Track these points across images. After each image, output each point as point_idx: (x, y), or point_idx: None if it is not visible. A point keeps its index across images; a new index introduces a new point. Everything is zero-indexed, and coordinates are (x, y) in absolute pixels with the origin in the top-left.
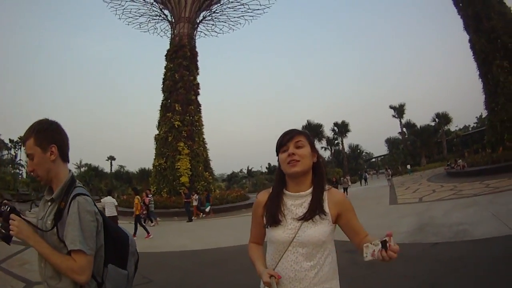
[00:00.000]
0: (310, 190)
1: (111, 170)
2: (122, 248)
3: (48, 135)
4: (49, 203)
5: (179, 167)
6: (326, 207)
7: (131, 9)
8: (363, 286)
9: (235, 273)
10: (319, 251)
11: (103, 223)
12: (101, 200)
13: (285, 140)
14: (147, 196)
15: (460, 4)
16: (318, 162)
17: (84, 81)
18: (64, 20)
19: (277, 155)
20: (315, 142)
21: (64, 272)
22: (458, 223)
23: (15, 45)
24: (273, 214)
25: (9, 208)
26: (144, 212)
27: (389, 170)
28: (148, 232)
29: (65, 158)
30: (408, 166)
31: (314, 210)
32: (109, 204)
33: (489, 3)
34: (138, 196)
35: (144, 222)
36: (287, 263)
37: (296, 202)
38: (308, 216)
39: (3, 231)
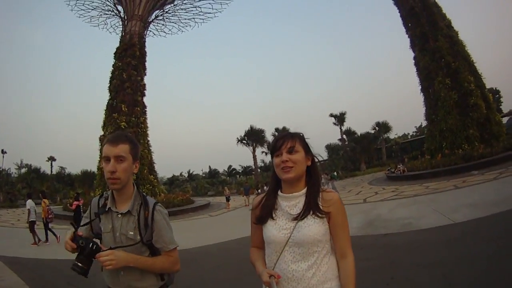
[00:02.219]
0: (304, 190)
1: (51, 171)
2: None
3: (138, 151)
4: (119, 215)
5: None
6: (321, 207)
7: (85, 0)
8: None
9: (212, 270)
10: (316, 250)
11: None
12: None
13: (279, 145)
14: (76, 200)
15: (409, 24)
16: (312, 164)
17: (23, 74)
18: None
19: (272, 158)
20: (257, 147)
21: (167, 269)
22: (403, 218)
23: None
24: (265, 213)
25: (95, 246)
26: (49, 217)
27: (328, 175)
28: (56, 236)
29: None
30: (335, 173)
31: (308, 210)
32: (32, 208)
33: (437, 26)
34: (45, 200)
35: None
36: (284, 264)
37: (290, 203)
38: (302, 216)
39: (83, 266)
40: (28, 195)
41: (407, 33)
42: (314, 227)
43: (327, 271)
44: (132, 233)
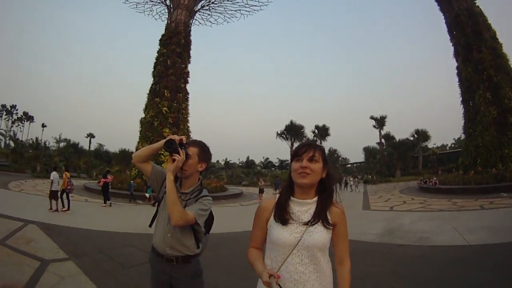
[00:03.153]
0: (316, 198)
1: (89, 147)
2: (209, 224)
3: (206, 155)
4: (179, 194)
5: (162, 152)
6: (329, 216)
7: None
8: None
9: (234, 254)
10: (322, 255)
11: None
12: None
13: (301, 152)
14: (104, 177)
15: (454, 32)
16: (327, 177)
17: (70, 53)
18: None
19: (291, 162)
20: (295, 142)
21: (173, 210)
22: (422, 231)
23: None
24: (282, 214)
25: (189, 155)
26: (69, 187)
27: (357, 178)
28: (64, 206)
29: (202, 172)
30: (369, 177)
31: (318, 218)
32: (55, 179)
33: (482, 36)
34: (67, 172)
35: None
36: (291, 266)
37: (302, 208)
38: (313, 222)
39: (175, 144)
40: (54, 167)
41: (451, 41)
42: (323, 233)
43: (330, 275)
44: (182, 204)
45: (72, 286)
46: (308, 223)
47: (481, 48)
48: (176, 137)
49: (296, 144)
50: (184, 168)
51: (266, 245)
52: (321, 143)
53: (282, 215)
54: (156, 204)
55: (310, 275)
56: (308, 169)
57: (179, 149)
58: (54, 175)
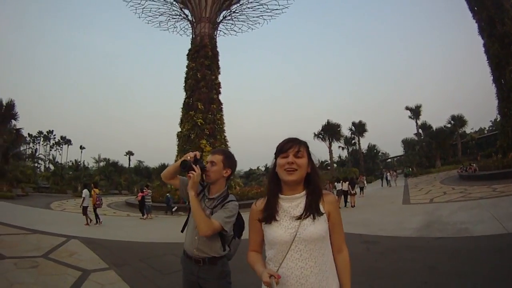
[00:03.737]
0: (304, 192)
1: (129, 165)
2: (240, 228)
3: (230, 161)
4: (207, 200)
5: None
6: (321, 207)
7: (151, 8)
8: (376, 266)
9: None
10: (321, 247)
11: (237, 214)
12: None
13: (287, 147)
14: (141, 191)
15: (475, 8)
16: (312, 171)
17: (99, 78)
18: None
19: (275, 158)
20: (333, 142)
21: (199, 223)
22: (461, 222)
23: (31, 41)
24: (270, 212)
25: (205, 166)
26: (97, 203)
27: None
28: (97, 220)
29: (228, 178)
30: (410, 169)
31: (310, 209)
32: (87, 196)
33: (503, 8)
34: (95, 189)
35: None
36: (291, 263)
37: (292, 204)
38: (305, 215)
39: (192, 163)
40: (84, 185)
41: (474, 18)
42: (318, 224)
43: (331, 267)
44: (208, 212)
45: None
46: (301, 217)
47: (504, 20)
48: (190, 155)
49: (334, 144)
50: (208, 174)
51: (265, 246)
52: (359, 139)
53: (270, 214)
54: (188, 211)
55: (311, 269)
56: (295, 165)
57: (193, 166)
58: (85, 192)
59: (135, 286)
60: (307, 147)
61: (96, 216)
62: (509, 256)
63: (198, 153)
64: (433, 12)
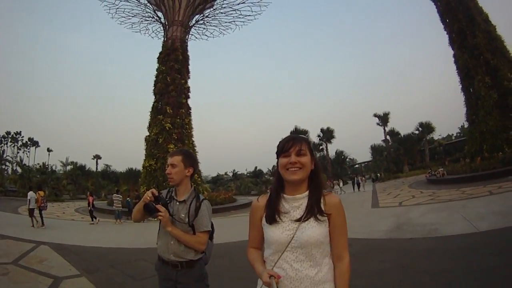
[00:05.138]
0: (307, 193)
1: (96, 168)
2: (213, 229)
3: (191, 160)
4: (178, 203)
5: None
6: (323, 209)
7: (125, 9)
8: None
9: (241, 261)
10: (318, 251)
11: None
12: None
13: (288, 147)
14: (91, 196)
15: (447, 20)
16: (315, 168)
17: (71, 78)
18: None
19: (277, 158)
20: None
21: (192, 244)
22: (431, 223)
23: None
24: (272, 214)
25: (167, 201)
26: (42, 205)
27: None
28: (40, 223)
29: (192, 177)
30: (378, 175)
31: (312, 212)
32: (32, 198)
33: (474, 21)
34: (40, 192)
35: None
36: (286, 264)
37: (293, 204)
38: (305, 217)
39: (155, 206)
40: (30, 187)
41: (445, 30)
42: (317, 228)
43: (328, 272)
44: (183, 215)
45: None
46: (301, 219)
47: (475, 32)
48: (148, 195)
49: None
50: (171, 177)
51: (264, 244)
52: (327, 146)
53: (272, 215)
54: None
55: (307, 272)
56: (298, 163)
57: (156, 207)
58: (30, 194)
59: None
60: (309, 144)
61: (41, 217)
62: (483, 253)
63: (154, 191)
64: (404, 21)
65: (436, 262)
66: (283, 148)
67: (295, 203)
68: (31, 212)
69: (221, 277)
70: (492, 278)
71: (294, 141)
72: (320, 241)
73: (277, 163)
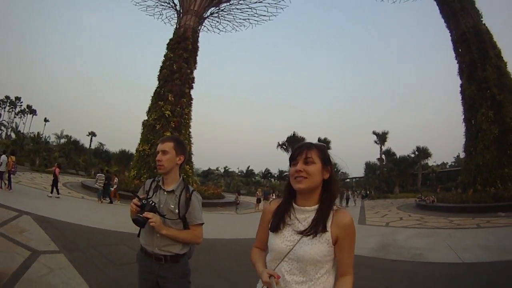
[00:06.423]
0: (316, 206)
1: (90, 145)
2: None
3: (182, 148)
4: (165, 193)
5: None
6: (329, 227)
7: None
8: None
9: (225, 260)
10: (314, 268)
11: None
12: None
13: (296, 154)
14: (58, 167)
15: (459, 50)
16: (330, 178)
17: (77, 52)
18: None
19: (289, 166)
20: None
21: (189, 240)
22: (416, 248)
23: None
24: (277, 223)
25: (153, 203)
26: (12, 170)
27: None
28: (10, 186)
29: (181, 166)
30: (367, 192)
31: (315, 228)
32: (4, 162)
33: (487, 54)
34: (12, 156)
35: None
36: (280, 273)
37: (300, 216)
38: (308, 232)
39: (144, 218)
40: (3, 151)
41: (456, 59)
42: (316, 246)
43: None
44: (172, 206)
45: (60, 278)
46: (303, 233)
47: (486, 66)
48: (133, 207)
49: None
50: (161, 164)
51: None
52: None
53: (277, 224)
54: None
55: (297, 286)
56: (304, 172)
57: (145, 217)
58: (2, 158)
59: (85, 273)
60: (320, 152)
61: (9, 181)
62: (467, 284)
63: (136, 201)
64: (416, 44)
65: (417, 284)
66: (292, 156)
67: (302, 215)
68: (0, 174)
69: (201, 273)
70: None
71: (302, 148)
72: (317, 259)
73: (289, 171)
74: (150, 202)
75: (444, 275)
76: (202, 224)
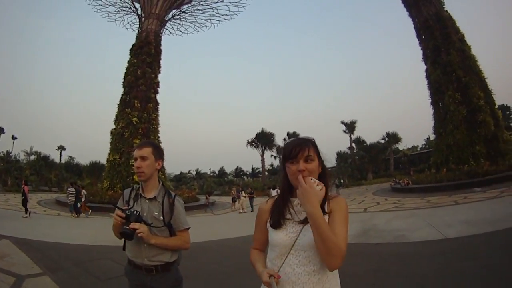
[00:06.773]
0: None
1: (60, 160)
2: None
3: (160, 152)
4: (147, 201)
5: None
6: (326, 209)
7: None
8: None
9: (208, 263)
10: None
11: None
12: None
13: (295, 153)
14: (26, 185)
15: (423, 37)
16: (322, 171)
17: (39, 63)
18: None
19: (283, 162)
20: (266, 150)
21: (179, 246)
22: (397, 229)
23: None
24: (277, 218)
25: (138, 213)
26: None
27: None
28: None
29: (160, 171)
30: (341, 181)
31: None
32: None
33: (450, 39)
34: None
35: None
36: (289, 267)
37: (299, 208)
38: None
39: (131, 231)
40: None
41: (420, 45)
42: None
43: (332, 278)
44: (156, 213)
45: None
46: (304, 221)
47: (450, 50)
48: (116, 221)
49: (267, 153)
50: (141, 171)
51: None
52: None
53: (277, 220)
54: None
55: (309, 276)
56: (306, 172)
57: (132, 229)
58: None
59: None
60: (316, 147)
61: None
62: (454, 258)
63: (120, 213)
64: (380, 32)
65: (407, 266)
66: (290, 153)
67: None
68: None
69: (191, 279)
70: (466, 281)
71: (302, 146)
72: None
73: (283, 167)
74: (134, 212)
75: (430, 251)
76: (189, 228)
